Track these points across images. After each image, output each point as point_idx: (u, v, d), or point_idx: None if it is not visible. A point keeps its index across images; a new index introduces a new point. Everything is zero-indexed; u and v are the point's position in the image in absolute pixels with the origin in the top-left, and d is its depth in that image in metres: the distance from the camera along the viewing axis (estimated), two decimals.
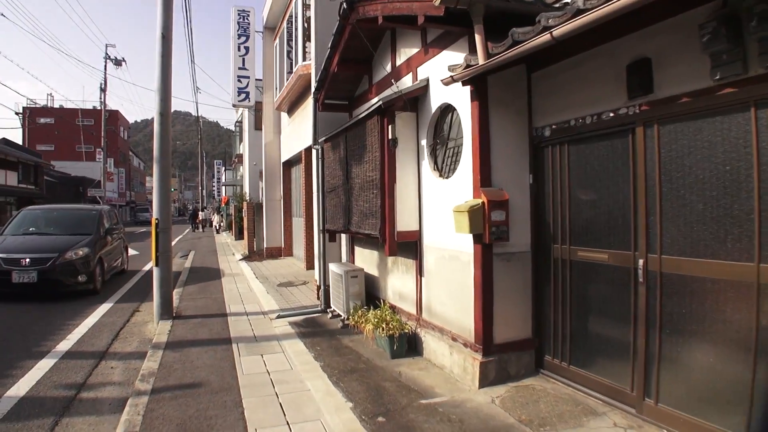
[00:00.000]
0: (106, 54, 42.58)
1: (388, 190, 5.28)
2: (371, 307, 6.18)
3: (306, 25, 9.88)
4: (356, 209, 6.14)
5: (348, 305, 6.58)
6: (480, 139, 4.32)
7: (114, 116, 56.57)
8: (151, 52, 7.48)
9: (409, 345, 5.40)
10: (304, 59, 10.29)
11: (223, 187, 43.10)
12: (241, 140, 29.52)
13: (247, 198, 23.87)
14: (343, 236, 8.15)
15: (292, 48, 12.30)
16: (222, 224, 31.63)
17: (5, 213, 30.89)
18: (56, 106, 55.18)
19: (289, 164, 14.59)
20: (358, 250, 7.64)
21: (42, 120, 52.56)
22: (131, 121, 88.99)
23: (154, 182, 7.42)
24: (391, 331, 5.26)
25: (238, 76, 15.07)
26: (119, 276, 12.08)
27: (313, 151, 8.29)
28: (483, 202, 4.23)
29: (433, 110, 5.14)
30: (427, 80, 5.22)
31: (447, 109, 5.05)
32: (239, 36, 15.17)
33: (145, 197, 78.54)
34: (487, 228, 4.22)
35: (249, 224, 15.31)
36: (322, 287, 7.57)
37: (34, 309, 8.34)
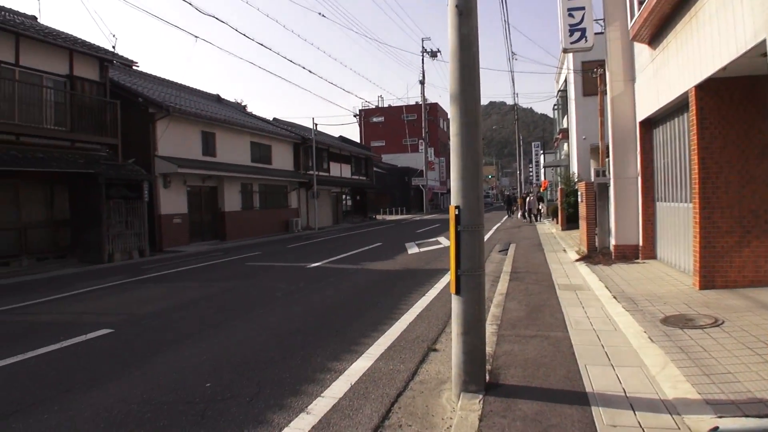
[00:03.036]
0: (423, 48, 43.68)
1: None
2: None
3: None
4: None
5: None
6: None
7: (433, 108, 58.88)
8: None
9: None
10: None
11: (542, 171, 39.42)
12: (564, 113, 25.16)
13: (575, 179, 19.54)
14: None
15: None
16: (542, 211, 27.87)
17: (340, 202, 33.82)
18: (385, 105, 60.50)
19: (650, 124, 9.80)
20: None
21: (374, 119, 58.22)
22: None
23: (452, 141, 4.10)
24: None
25: (569, 10, 10.92)
26: (422, 279, 9.57)
27: None
28: None
29: None
30: None
31: None
32: None
33: None
34: None
35: (588, 212, 11.07)
36: None
37: (253, 336, 6.12)
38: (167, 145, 18.13)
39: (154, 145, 17.58)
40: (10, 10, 15.52)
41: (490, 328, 5.57)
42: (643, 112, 9.75)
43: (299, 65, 21.27)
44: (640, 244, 10.01)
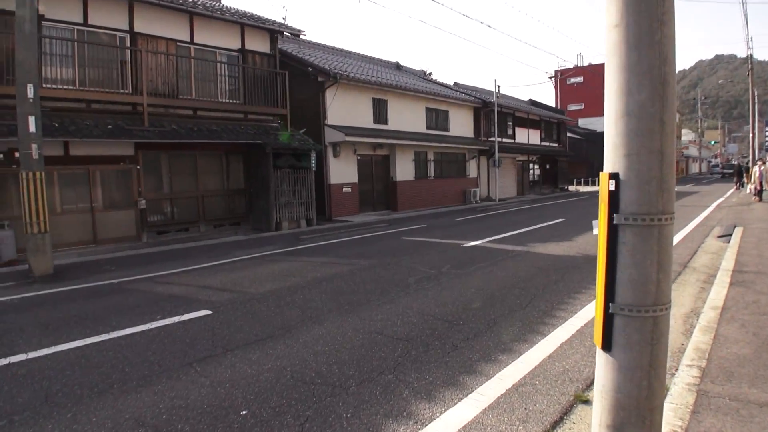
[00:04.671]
0: None
1: None
2: None
3: None
4: None
5: None
6: None
7: None
8: None
9: None
10: None
11: None
12: None
13: None
14: None
15: None
16: None
17: (526, 171, 31.12)
18: (585, 64, 54.44)
19: None
20: None
21: (571, 80, 52.81)
22: None
23: (607, 40, 2.16)
24: None
25: None
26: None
27: None
28: None
29: None
30: None
31: None
32: None
33: (680, 152, 70.49)
34: None
35: None
36: None
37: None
38: (337, 113, 17.87)
39: (323, 114, 17.45)
40: None
41: (686, 375, 3.43)
42: None
43: (476, 20, 19.32)
44: None
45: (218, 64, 14.59)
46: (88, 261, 10.16)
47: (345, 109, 18.24)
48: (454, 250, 10.01)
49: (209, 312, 5.78)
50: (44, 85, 11.10)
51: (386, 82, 19.99)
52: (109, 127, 11.66)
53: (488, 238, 11.39)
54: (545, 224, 14.13)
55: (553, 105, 46.91)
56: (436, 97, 23.06)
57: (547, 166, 34.07)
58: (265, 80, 15.47)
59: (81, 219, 11.93)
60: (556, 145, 35.15)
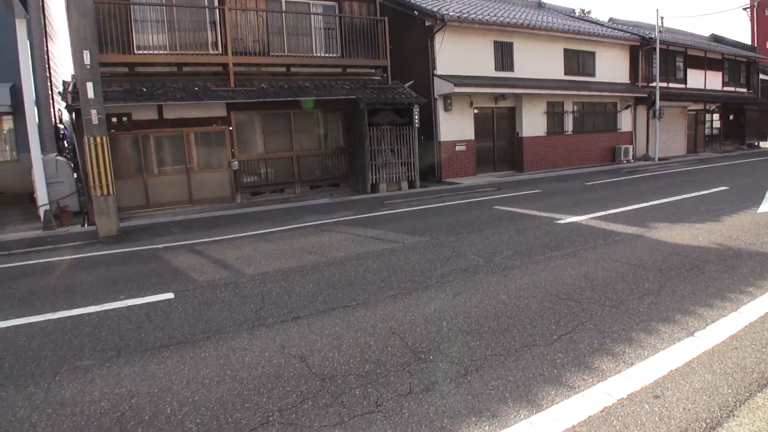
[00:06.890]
0: None
1: None
2: None
3: None
4: None
5: None
6: None
7: None
8: None
9: None
10: None
11: None
12: None
13: None
14: None
15: None
16: None
17: (702, 123, 25.85)
18: None
19: None
20: None
21: None
22: None
23: None
24: None
25: None
26: None
27: None
28: None
29: None
30: None
31: None
32: None
33: None
34: None
35: None
36: None
37: None
38: (449, 61, 16.11)
39: (432, 63, 15.87)
40: None
41: None
42: None
43: None
44: None
45: (312, 16, 13.85)
46: (157, 223, 10.39)
47: (459, 56, 16.37)
48: (542, 228, 8.14)
49: (171, 296, 5.15)
50: (136, 52, 11.47)
51: (509, 21, 17.45)
52: (196, 89, 11.71)
53: (599, 213, 9.16)
54: (696, 194, 11.11)
55: (748, 42, 38.24)
56: (578, 36, 19.74)
57: (731, 117, 27.91)
58: (364, 29, 14.40)
59: (177, 180, 12.38)
60: (743, 90, 28.57)
